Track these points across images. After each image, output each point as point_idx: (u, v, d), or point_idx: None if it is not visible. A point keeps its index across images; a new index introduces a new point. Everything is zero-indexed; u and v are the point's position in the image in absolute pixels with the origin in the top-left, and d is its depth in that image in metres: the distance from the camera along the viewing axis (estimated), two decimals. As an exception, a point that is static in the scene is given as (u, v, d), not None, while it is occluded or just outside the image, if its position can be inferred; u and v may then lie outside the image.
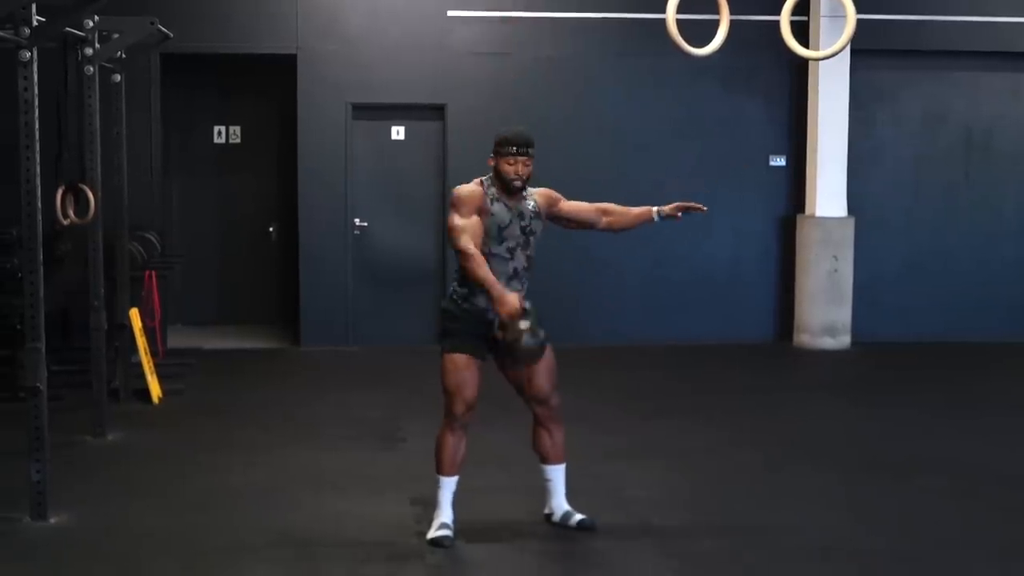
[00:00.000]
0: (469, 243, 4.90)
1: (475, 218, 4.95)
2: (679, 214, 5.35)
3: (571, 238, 9.91)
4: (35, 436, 5.32)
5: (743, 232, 10.76)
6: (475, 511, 5.40)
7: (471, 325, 5.01)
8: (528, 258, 5.10)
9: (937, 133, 11.00)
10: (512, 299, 4.84)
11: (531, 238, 5.09)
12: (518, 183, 5.01)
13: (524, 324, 4.84)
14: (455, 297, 5.08)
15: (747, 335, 10.68)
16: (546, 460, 5.30)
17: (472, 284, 4.97)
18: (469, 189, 5.02)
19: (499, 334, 4.90)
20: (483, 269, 4.87)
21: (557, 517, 5.33)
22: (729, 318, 10.69)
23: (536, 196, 5.17)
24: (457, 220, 4.95)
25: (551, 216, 5.26)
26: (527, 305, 4.89)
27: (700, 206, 5.39)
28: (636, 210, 5.40)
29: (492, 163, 5.04)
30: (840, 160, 10.49)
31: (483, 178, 5.08)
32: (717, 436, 7.24)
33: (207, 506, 5.66)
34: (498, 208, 5.00)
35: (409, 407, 7.70)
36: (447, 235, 5.04)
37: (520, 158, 4.98)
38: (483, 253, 4.94)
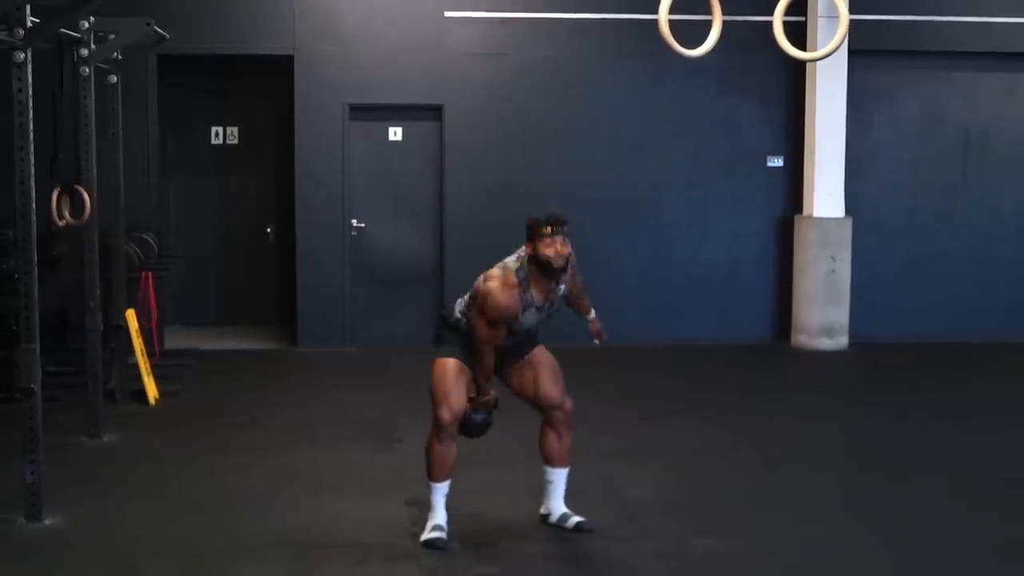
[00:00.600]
0: (488, 353, 4.96)
1: (503, 328, 4.95)
2: (595, 338, 5.57)
3: (570, 237, 9.97)
4: (30, 437, 5.31)
5: (741, 233, 10.75)
6: (472, 512, 5.40)
7: (468, 341, 5.02)
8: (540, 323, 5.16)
9: (935, 133, 11.00)
10: (491, 401, 5.08)
11: (550, 318, 5.14)
12: (560, 262, 4.92)
13: (479, 410, 5.08)
14: (456, 315, 5.09)
15: (745, 336, 10.67)
16: (551, 462, 5.30)
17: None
18: (505, 301, 4.89)
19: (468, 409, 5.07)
20: (484, 379, 5.03)
21: (554, 518, 5.32)
22: (727, 318, 10.68)
23: (567, 279, 5.12)
24: (483, 331, 4.92)
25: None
26: (495, 400, 5.10)
27: (602, 335, 5.60)
28: (584, 303, 5.50)
29: (528, 250, 4.93)
30: (838, 161, 10.49)
31: (513, 266, 4.97)
32: (715, 436, 7.23)
33: (204, 507, 5.65)
34: (530, 315, 4.99)
35: (406, 407, 7.69)
36: (472, 331, 4.98)
37: (557, 238, 4.90)
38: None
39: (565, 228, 4.94)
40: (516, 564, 4.95)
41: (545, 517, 5.36)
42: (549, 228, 4.88)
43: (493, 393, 5.08)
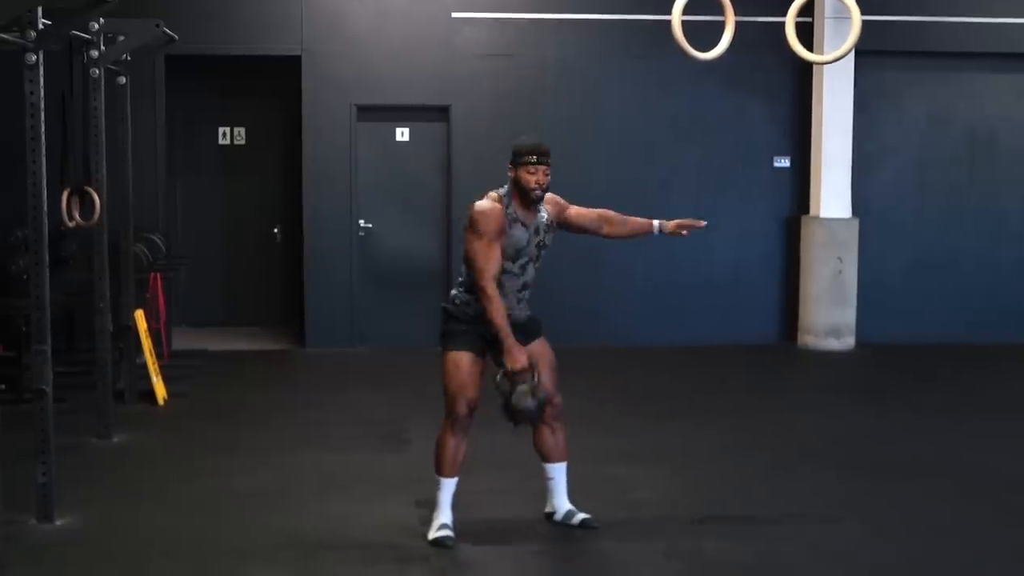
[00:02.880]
0: (492, 284, 4.90)
1: (497, 248, 4.93)
2: (683, 231, 5.46)
3: (576, 240, 9.98)
4: (41, 438, 5.33)
5: (747, 233, 10.75)
6: (480, 512, 5.41)
7: (471, 325, 5.03)
8: (537, 270, 5.14)
9: (942, 134, 10.99)
10: (521, 355, 4.89)
11: (542, 251, 5.13)
12: (539, 192, 5.01)
13: (524, 387, 4.88)
14: (456, 301, 5.10)
15: (751, 336, 10.67)
16: (548, 459, 5.32)
17: (473, 298, 4.99)
18: (490, 210, 4.95)
19: (500, 382, 4.93)
20: (500, 316, 4.88)
21: (559, 516, 5.34)
22: (733, 319, 10.69)
23: (547, 205, 5.18)
24: (479, 250, 4.90)
25: (558, 223, 5.27)
26: (533, 362, 4.92)
27: (700, 222, 5.50)
28: (635, 220, 5.49)
29: (511, 173, 5.02)
30: (844, 161, 10.49)
31: (498, 193, 5.05)
32: (721, 437, 7.24)
33: (213, 508, 5.67)
34: (517, 230, 5.01)
35: (414, 408, 7.71)
36: (466, 258, 4.99)
37: (540, 167, 4.98)
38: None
39: (549, 159, 5.02)
40: (525, 565, 4.96)
41: (550, 515, 5.38)
42: (533, 156, 4.97)
43: (524, 358, 4.90)
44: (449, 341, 5.09)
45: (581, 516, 5.31)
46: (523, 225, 5.03)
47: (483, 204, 4.99)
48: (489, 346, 5.05)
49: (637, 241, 10.42)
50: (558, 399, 5.26)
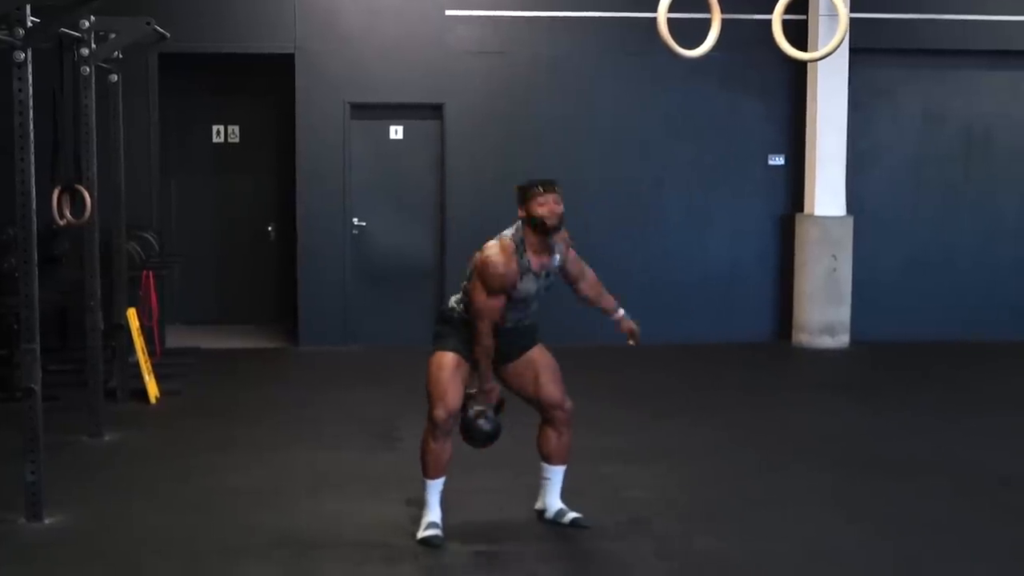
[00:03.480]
0: (488, 328, 4.91)
1: (502, 300, 4.94)
2: (630, 340, 5.46)
3: (571, 236, 9.96)
4: (30, 437, 5.31)
5: (742, 231, 10.75)
6: (472, 512, 5.40)
7: (465, 332, 5.02)
8: (538, 299, 5.13)
9: (936, 132, 10.98)
10: (495, 391, 4.99)
11: (546, 291, 5.13)
12: (554, 220, 4.93)
13: (483, 409, 4.99)
14: (452, 307, 5.10)
15: (746, 334, 10.67)
16: (548, 459, 5.31)
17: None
18: (504, 268, 4.90)
19: (470, 406, 5.00)
20: (486, 358, 4.93)
21: (550, 514, 5.34)
22: (728, 317, 10.68)
23: (560, 242, 5.12)
24: (483, 303, 4.90)
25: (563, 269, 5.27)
26: (502, 398, 5.04)
27: (635, 340, 5.48)
28: (608, 298, 5.44)
29: (522, 214, 4.96)
30: (839, 159, 10.48)
31: (512, 240, 4.98)
32: (716, 436, 7.23)
33: (204, 506, 5.65)
34: (527, 282, 4.99)
35: (407, 406, 7.65)
36: (469, 298, 4.96)
37: (550, 196, 4.93)
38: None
39: (558, 188, 4.98)
40: (516, 565, 4.95)
41: (541, 513, 5.37)
42: (540, 188, 4.94)
43: (496, 385, 5.01)
44: (437, 341, 5.09)
45: (572, 515, 5.30)
46: (535, 275, 5.01)
47: (497, 258, 4.90)
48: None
49: (632, 238, 10.54)
50: (569, 404, 5.25)
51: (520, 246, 4.95)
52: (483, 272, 4.90)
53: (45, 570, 4.86)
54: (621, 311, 5.44)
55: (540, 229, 4.94)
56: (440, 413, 4.98)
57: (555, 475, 5.33)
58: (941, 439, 7.24)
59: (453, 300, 5.14)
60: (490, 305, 4.91)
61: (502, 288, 4.91)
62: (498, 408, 5.05)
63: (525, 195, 4.95)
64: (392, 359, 9.63)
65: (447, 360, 5.01)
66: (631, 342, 5.46)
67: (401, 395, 8.17)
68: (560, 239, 5.12)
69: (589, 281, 5.39)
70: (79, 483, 5.98)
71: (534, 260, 4.98)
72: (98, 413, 6.95)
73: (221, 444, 6.89)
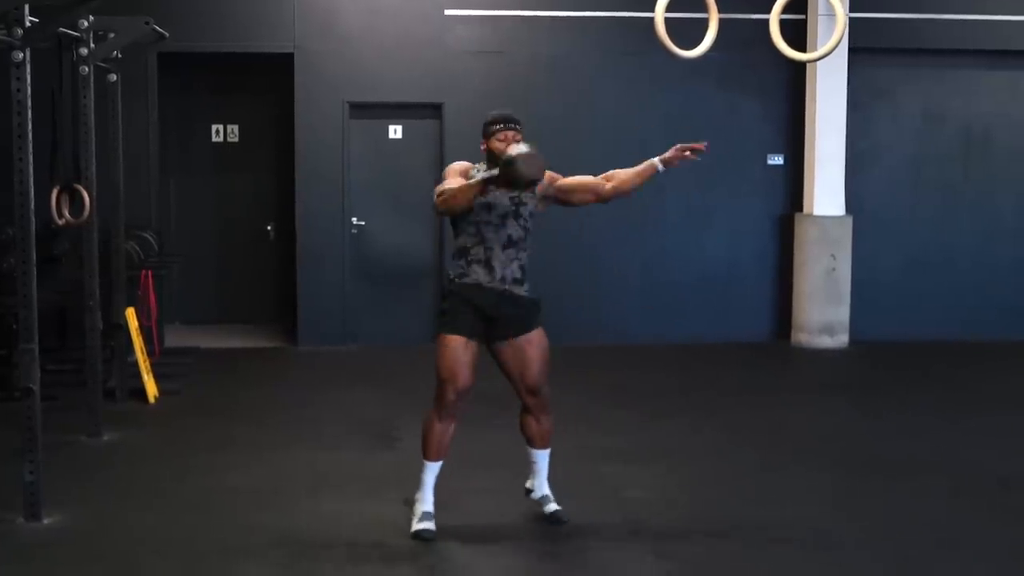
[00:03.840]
0: (458, 187, 4.92)
1: (459, 179, 5.01)
2: (686, 153, 5.33)
3: (570, 236, 9.97)
4: (28, 437, 5.31)
5: (741, 231, 10.75)
6: (471, 512, 5.39)
7: (467, 302, 5.02)
8: (524, 229, 5.09)
9: (935, 132, 10.99)
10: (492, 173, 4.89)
11: (521, 208, 5.09)
12: (505, 160, 4.95)
13: (517, 150, 4.78)
14: (451, 276, 5.12)
15: (745, 334, 10.67)
16: (532, 444, 5.34)
17: (467, 258, 5.02)
18: (457, 163, 5.16)
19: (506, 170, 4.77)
20: (454, 186, 4.90)
21: (536, 495, 5.39)
22: (727, 317, 10.68)
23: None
24: (439, 189, 5.00)
25: (552, 195, 5.25)
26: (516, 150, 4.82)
27: (700, 145, 5.33)
28: (638, 167, 5.38)
29: (484, 146, 5.10)
30: (838, 159, 10.48)
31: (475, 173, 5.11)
32: (714, 436, 7.23)
33: (203, 506, 5.65)
34: (494, 195, 4.99)
35: (406, 406, 7.69)
36: (435, 204, 5.01)
37: (509, 132, 5.04)
38: (474, 222, 4.99)
39: (518, 125, 5.06)
40: (514, 564, 4.95)
41: (528, 492, 5.42)
42: (500, 124, 5.04)
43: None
44: (444, 322, 5.08)
45: (553, 507, 5.33)
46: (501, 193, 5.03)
47: (452, 165, 5.17)
48: (488, 326, 5.04)
49: (631, 238, 10.53)
50: (546, 390, 5.24)
51: (479, 166, 5.10)
52: (442, 174, 5.12)
53: (44, 570, 4.85)
54: (656, 161, 5.34)
55: (498, 164, 4.93)
56: (450, 393, 4.99)
57: (540, 459, 5.35)
58: (940, 439, 7.24)
59: (449, 272, 5.19)
60: (446, 185, 4.94)
61: (458, 175, 5.01)
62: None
63: (486, 130, 5.09)
64: (391, 359, 9.64)
65: (454, 342, 5.01)
66: (691, 155, 5.32)
67: (400, 395, 8.19)
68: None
69: (614, 175, 5.40)
70: (78, 483, 5.98)
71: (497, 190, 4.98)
72: (97, 413, 6.95)
73: (220, 444, 6.89)
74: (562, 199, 5.32)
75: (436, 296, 10.19)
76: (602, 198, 5.42)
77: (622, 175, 5.40)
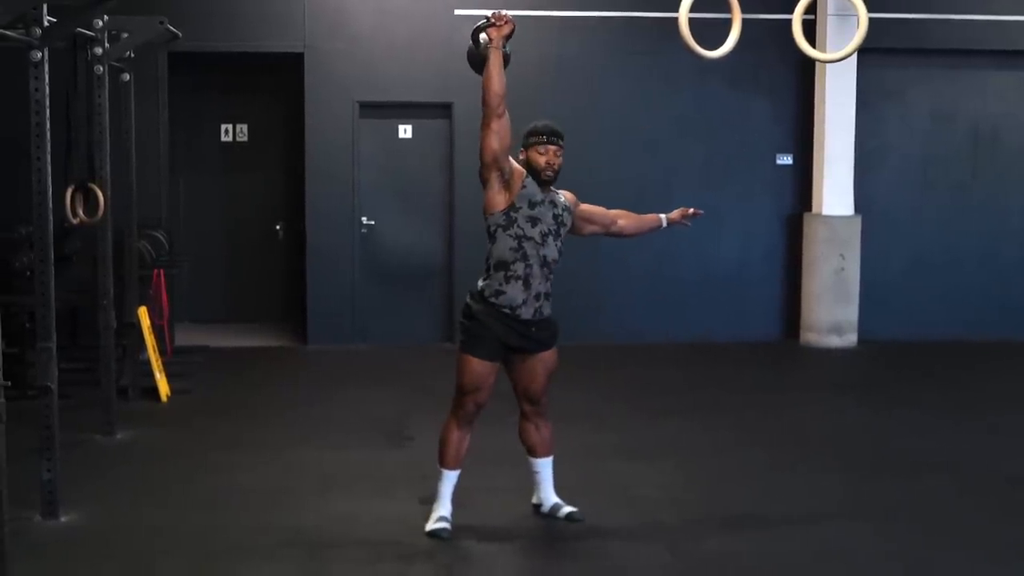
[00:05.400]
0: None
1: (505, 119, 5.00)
2: (687, 222, 5.46)
3: (579, 239, 9.98)
4: (46, 435, 5.34)
5: (750, 230, 10.76)
6: (486, 510, 5.42)
7: (496, 328, 5.01)
8: (559, 252, 5.12)
9: (945, 132, 10.99)
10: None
11: (562, 229, 5.12)
12: (550, 173, 5.04)
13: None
14: (485, 293, 5.05)
15: (753, 333, 10.68)
16: (534, 453, 5.35)
17: (507, 273, 4.97)
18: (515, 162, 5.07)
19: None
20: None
21: (546, 508, 5.38)
22: (735, 316, 10.69)
23: (564, 193, 5.22)
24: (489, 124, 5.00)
25: (574, 218, 5.28)
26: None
27: (698, 211, 5.47)
28: (646, 216, 5.48)
29: (522, 156, 5.06)
30: (847, 158, 10.49)
31: None
32: (723, 435, 7.25)
33: (216, 505, 5.68)
34: (531, 183, 5.03)
35: (416, 405, 7.71)
36: (481, 153, 5.02)
37: (551, 147, 5.03)
38: (517, 236, 4.97)
39: (561, 141, 5.06)
40: (529, 561, 4.98)
41: (537, 507, 5.42)
42: (544, 137, 5.03)
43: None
44: (470, 345, 5.05)
45: (567, 509, 5.34)
46: (539, 185, 5.07)
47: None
48: (510, 351, 5.07)
49: (640, 237, 10.49)
50: (544, 399, 5.27)
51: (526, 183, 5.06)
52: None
53: (60, 567, 4.89)
54: (663, 216, 5.44)
55: (535, 177, 5.02)
56: (470, 406, 5.03)
57: (543, 468, 5.37)
58: (948, 438, 7.25)
59: (480, 282, 5.10)
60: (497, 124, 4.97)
61: (508, 161, 4.98)
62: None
63: (528, 140, 5.07)
64: (401, 358, 9.66)
65: (482, 365, 5.01)
66: (687, 222, 5.47)
67: (410, 394, 8.21)
68: (565, 193, 5.22)
69: (625, 214, 5.42)
70: (92, 481, 6.02)
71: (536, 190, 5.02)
72: (110, 412, 6.97)
73: (232, 443, 6.91)
74: (578, 226, 5.32)
75: (446, 295, 10.24)
76: (609, 233, 5.47)
77: (631, 218, 5.46)
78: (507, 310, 5.00)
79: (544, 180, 5.05)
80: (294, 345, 10.46)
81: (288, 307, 11.30)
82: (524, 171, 5.06)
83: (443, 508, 5.15)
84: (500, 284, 5.01)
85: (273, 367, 9.56)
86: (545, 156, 5.01)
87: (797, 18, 4.55)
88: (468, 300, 5.13)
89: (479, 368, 5.01)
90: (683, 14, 4.62)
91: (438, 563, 4.86)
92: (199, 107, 11.24)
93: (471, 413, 5.05)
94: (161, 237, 9.36)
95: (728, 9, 4.79)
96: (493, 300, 5.02)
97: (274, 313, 11.41)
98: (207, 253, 11.17)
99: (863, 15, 4.40)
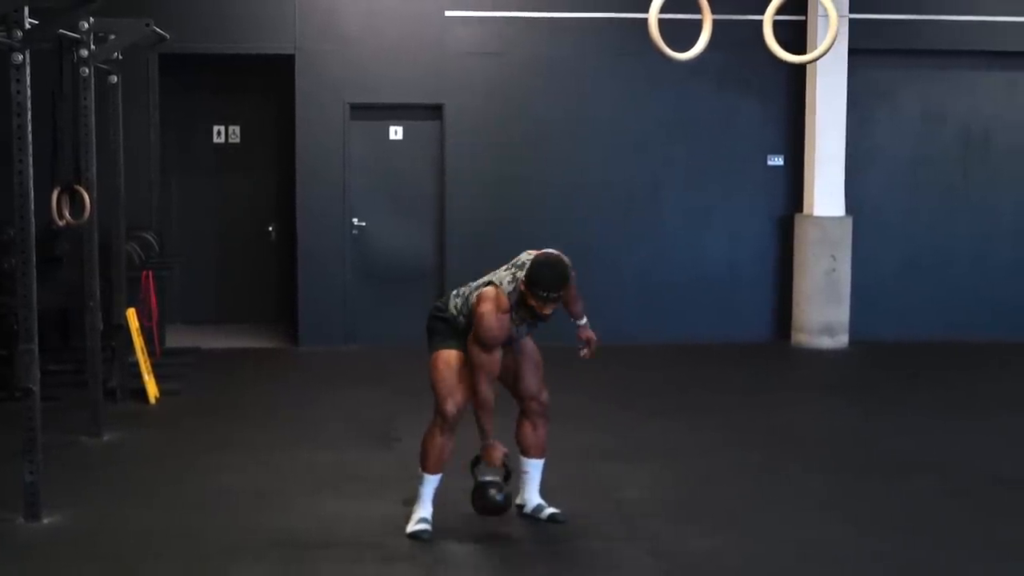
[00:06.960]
0: (487, 388, 4.97)
1: (498, 351, 4.99)
2: (580, 344, 5.44)
3: (570, 236, 9.98)
4: (28, 437, 5.33)
5: (741, 232, 10.76)
6: (468, 511, 5.40)
7: (457, 323, 5.07)
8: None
9: (935, 132, 10.99)
10: (498, 454, 5.03)
11: (535, 323, 5.14)
12: (544, 319, 5.03)
13: (494, 477, 5.11)
14: (453, 311, 5.11)
15: (745, 335, 10.68)
16: (527, 453, 5.36)
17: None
18: (498, 324, 4.93)
19: (474, 471, 5.15)
20: (487, 421, 5.00)
21: (528, 509, 5.39)
22: (727, 318, 10.69)
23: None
24: (483, 358, 4.93)
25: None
26: (507, 462, 5.09)
27: (588, 350, 5.44)
28: (577, 303, 5.43)
29: (523, 286, 4.95)
30: (838, 159, 10.49)
31: (507, 288, 4.99)
32: (713, 436, 7.25)
33: (203, 506, 5.67)
34: (513, 331, 5.06)
35: (405, 407, 7.71)
36: (471, 354, 4.98)
37: (551, 304, 4.97)
38: None
39: (562, 292, 4.97)
40: (510, 563, 4.97)
41: (520, 508, 5.42)
42: (545, 293, 4.91)
43: (501, 448, 5.03)
44: (438, 339, 5.12)
45: (549, 511, 5.35)
46: (528, 325, 5.10)
47: (491, 320, 4.91)
48: None
49: (631, 238, 10.54)
50: (545, 396, 5.28)
51: (515, 304, 4.99)
52: (479, 329, 4.93)
53: (42, 570, 4.87)
54: (584, 319, 5.46)
55: (531, 316, 5.02)
56: (450, 408, 5.03)
57: (533, 468, 5.38)
58: (939, 439, 7.25)
59: (453, 304, 5.14)
60: (489, 360, 4.96)
61: (496, 344, 4.97)
62: (507, 476, 5.15)
63: (533, 288, 4.90)
64: (392, 359, 9.65)
65: (452, 357, 5.06)
66: (585, 352, 5.43)
67: (399, 395, 8.20)
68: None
69: (574, 299, 5.41)
70: (78, 483, 6.01)
71: (525, 315, 5.04)
72: (97, 413, 6.97)
73: (220, 444, 6.91)
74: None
75: (437, 297, 10.19)
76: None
77: (574, 301, 5.39)
78: (463, 319, 5.08)
79: (537, 321, 5.05)
80: (285, 346, 10.46)
81: (279, 308, 11.30)
82: (509, 326, 5.01)
83: (424, 510, 5.16)
84: (467, 315, 5.06)
85: (264, 368, 9.56)
86: (542, 307, 4.95)
87: (768, 19, 4.56)
88: (437, 304, 5.21)
89: (449, 359, 5.04)
90: (653, 15, 4.62)
91: (419, 564, 4.87)
92: (191, 108, 11.23)
93: (452, 416, 5.04)
94: (151, 238, 9.36)
95: (699, 11, 4.79)
96: (455, 315, 5.10)
97: (266, 314, 11.41)
98: (199, 254, 11.17)
99: (833, 16, 4.41)
